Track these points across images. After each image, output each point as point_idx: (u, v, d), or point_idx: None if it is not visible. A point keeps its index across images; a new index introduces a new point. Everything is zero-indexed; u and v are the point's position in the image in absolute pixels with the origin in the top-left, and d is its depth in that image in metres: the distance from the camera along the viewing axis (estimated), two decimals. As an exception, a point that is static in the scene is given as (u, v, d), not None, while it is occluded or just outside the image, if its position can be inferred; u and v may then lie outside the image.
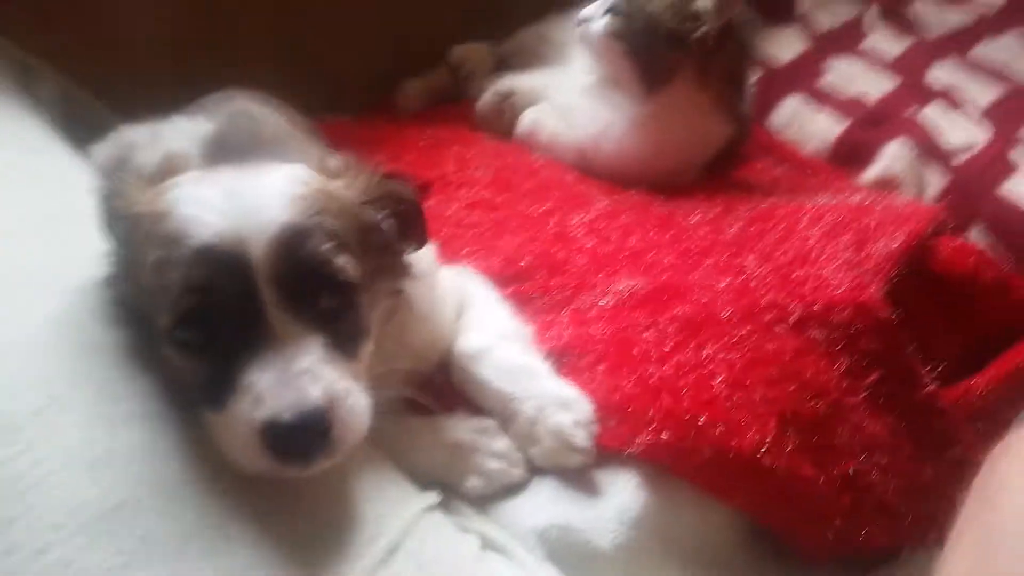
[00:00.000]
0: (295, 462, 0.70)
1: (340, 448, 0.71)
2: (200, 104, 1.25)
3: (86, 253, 0.84)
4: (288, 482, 0.74)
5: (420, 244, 0.90)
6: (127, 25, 1.67)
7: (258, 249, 0.70)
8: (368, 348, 0.79)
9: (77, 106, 1.38)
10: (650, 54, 1.46)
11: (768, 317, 1.04)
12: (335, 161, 0.85)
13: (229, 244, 0.70)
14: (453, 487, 0.89)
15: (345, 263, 0.74)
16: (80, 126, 1.28)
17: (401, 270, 0.88)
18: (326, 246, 0.73)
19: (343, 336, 0.75)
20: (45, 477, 0.67)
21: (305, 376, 0.69)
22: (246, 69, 1.27)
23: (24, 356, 0.75)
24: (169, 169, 0.81)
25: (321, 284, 0.73)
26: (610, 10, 1.48)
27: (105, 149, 1.18)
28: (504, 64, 1.92)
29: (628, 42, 1.47)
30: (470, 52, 1.94)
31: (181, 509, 0.70)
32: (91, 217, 0.83)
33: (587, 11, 1.52)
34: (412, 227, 0.88)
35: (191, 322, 0.71)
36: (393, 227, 0.85)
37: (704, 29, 1.41)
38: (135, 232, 0.76)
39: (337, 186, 0.81)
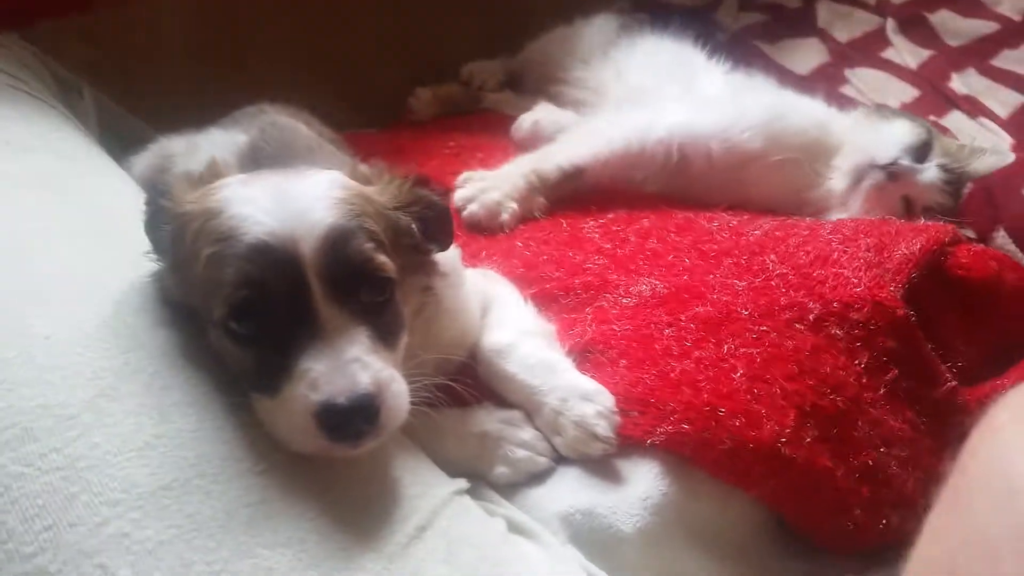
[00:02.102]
0: (346, 441, 0.75)
1: (384, 429, 0.77)
2: (233, 117, 1.31)
3: (127, 256, 0.90)
4: (326, 464, 0.79)
5: (447, 245, 0.95)
6: (158, 41, 1.77)
7: (308, 247, 0.76)
8: (404, 340, 0.85)
9: (113, 118, 1.46)
10: None
11: (787, 315, 1.07)
12: (367, 168, 0.91)
13: (281, 241, 0.75)
14: (482, 475, 0.93)
15: (384, 261, 0.80)
16: (116, 138, 1.34)
17: (430, 268, 0.94)
18: (368, 245, 0.79)
19: (384, 328, 0.80)
20: (102, 458, 0.72)
21: (355, 364, 0.75)
22: (271, 84, 1.34)
23: (77, 353, 0.79)
24: (214, 172, 0.87)
25: (364, 280, 0.79)
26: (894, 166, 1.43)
27: (144, 159, 1.25)
28: (515, 77, 2.00)
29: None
30: (480, 68, 2.02)
31: (225, 488, 0.74)
32: (130, 222, 0.89)
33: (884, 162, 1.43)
34: (440, 229, 0.93)
35: (245, 313, 0.77)
36: (422, 229, 0.90)
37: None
38: (185, 229, 0.81)
39: (372, 191, 0.87)
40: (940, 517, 0.52)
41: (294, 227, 0.76)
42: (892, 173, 1.42)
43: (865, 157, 1.44)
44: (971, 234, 1.48)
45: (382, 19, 1.98)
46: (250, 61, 1.82)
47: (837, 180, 1.46)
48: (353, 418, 0.74)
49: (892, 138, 1.46)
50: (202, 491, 0.73)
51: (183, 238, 0.81)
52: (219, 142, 1.21)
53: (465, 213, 1.39)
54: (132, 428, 0.75)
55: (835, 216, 1.44)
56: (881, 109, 1.62)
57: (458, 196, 1.41)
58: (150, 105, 1.58)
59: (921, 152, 1.45)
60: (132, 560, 0.67)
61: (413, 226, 0.88)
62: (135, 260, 0.89)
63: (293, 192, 0.79)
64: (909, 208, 1.43)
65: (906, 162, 1.43)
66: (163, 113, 1.45)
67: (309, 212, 0.77)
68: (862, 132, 1.50)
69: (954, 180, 1.46)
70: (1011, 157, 1.56)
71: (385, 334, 0.80)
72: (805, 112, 1.55)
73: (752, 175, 1.48)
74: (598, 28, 1.97)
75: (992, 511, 0.47)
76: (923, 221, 1.37)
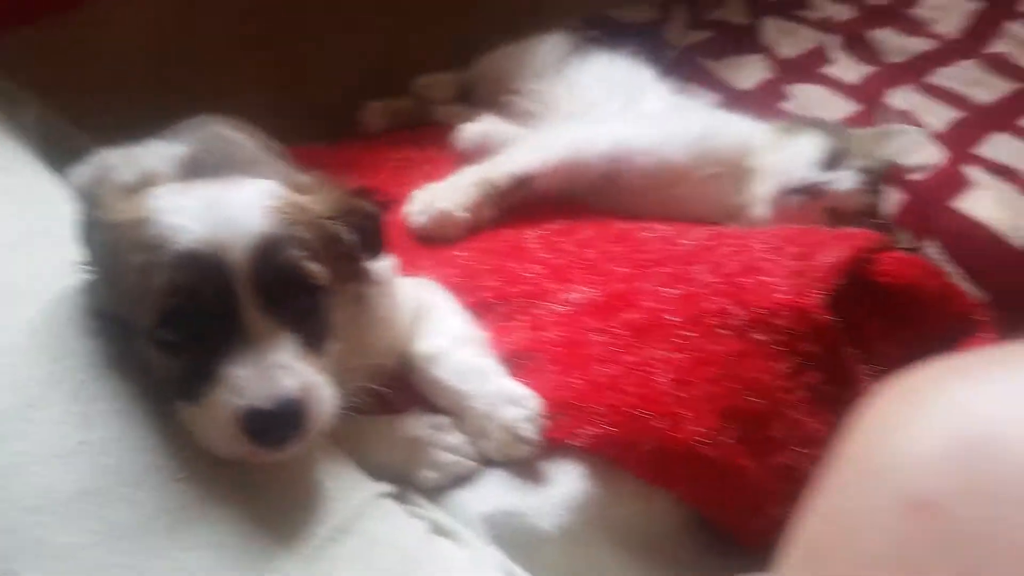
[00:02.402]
0: (270, 446, 0.77)
1: (310, 434, 0.79)
2: (174, 129, 1.32)
3: (60, 266, 0.90)
4: (248, 470, 0.80)
5: (378, 254, 0.97)
6: (110, 54, 1.75)
7: (237, 255, 0.77)
8: (333, 346, 0.87)
9: (56, 132, 1.45)
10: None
11: (713, 321, 1.10)
12: (304, 179, 0.93)
13: (211, 249, 0.77)
14: (409, 479, 0.95)
15: (315, 269, 0.82)
16: (58, 151, 1.34)
17: (362, 276, 0.96)
18: (299, 253, 0.81)
19: (312, 335, 0.83)
20: (24, 465, 0.73)
21: (280, 369, 0.77)
22: (222, 97, 1.35)
23: (4, 361, 0.81)
24: (146, 182, 0.89)
25: (294, 288, 0.81)
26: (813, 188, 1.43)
27: (83, 170, 1.25)
28: (467, 91, 2.04)
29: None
30: (433, 82, 2.05)
31: (148, 495, 0.75)
32: (64, 233, 0.90)
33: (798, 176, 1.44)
34: (373, 239, 0.96)
35: (173, 322, 0.78)
36: (356, 238, 0.92)
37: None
38: (116, 239, 0.82)
39: (306, 200, 0.88)
40: (813, 497, 0.55)
41: (224, 235, 0.77)
42: (809, 192, 1.43)
43: (776, 184, 1.46)
44: (907, 240, 1.52)
45: (332, 33, 2.00)
46: (201, 74, 1.83)
47: (758, 207, 1.48)
48: (277, 423, 0.76)
49: (799, 157, 1.47)
50: (123, 498, 0.74)
51: (114, 248, 0.83)
52: (158, 153, 1.22)
53: (415, 226, 1.40)
54: (57, 436, 0.76)
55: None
56: (789, 125, 1.62)
57: (407, 209, 1.42)
58: (99, 116, 1.58)
59: (834, 161, 1.47)
60: (44, 565, 0.68)
61: (347, 236, 0.90)
62: (68, 270, 0.89)
63: (224, 201, 0.81)
64: (837, 218, 1.45)
65: (819, 178, 1.44)
66: (112, 125, 1.45)
67: (240, 220, 0.79)
68: (772, 153, 1.51)
69: (874, 177, 1.48)
70: (921, 137, 1.62)
71: (313, 340, 0.82)
72: (734, 132, 1.57)
73: (682, 192, 1.51)
74: (552, 45, 2.01)
75: (852, 489, 0.50)
76: (849, 222, 1.40)
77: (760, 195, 1.48)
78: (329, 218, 0.88)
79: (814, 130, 1.55)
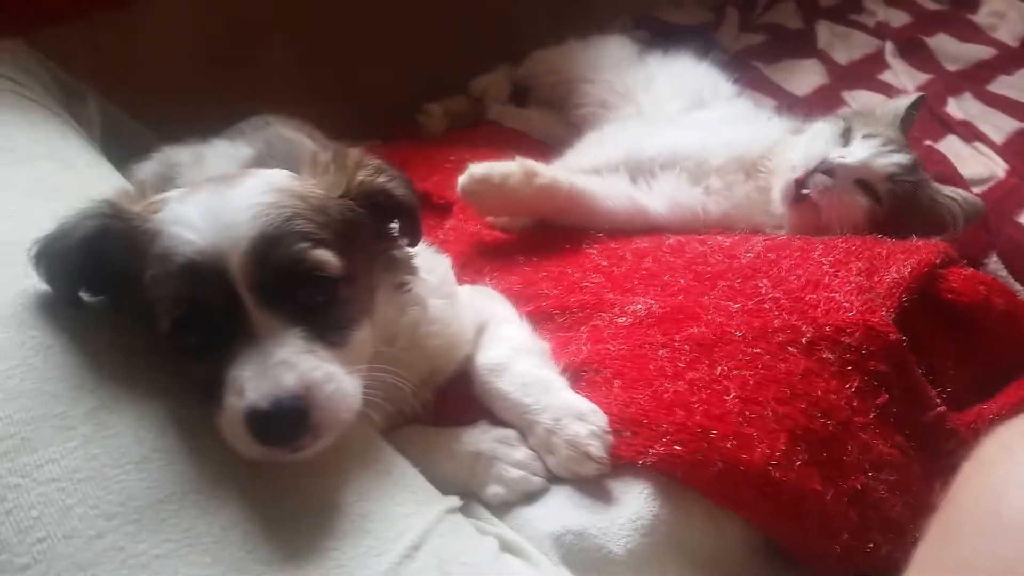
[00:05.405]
0: (280, 446, 0.76)
1: (325, 431, 0.77)
2: (239, 128, 1.32)
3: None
4: (320, 481, 0.79)
5: (413, 235, 0.94)
6: (164, 50, 1.76)
7: (234, 260, 0.77)
8: (360, 335, 0.84)
9: (117, 125, 1.47)
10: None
11: (780, 338, 1.08)
12: (325, 157, 0.90)
13: (208, 259, 0.77)
14: (475, 494, 0.94)
15: (322, 258, 0.80)
16: (119, 145, 1.35)
17: (401, 264, 0.94)
18: (299, 246, 0.79)
19: (328, 326, 0.81)
20: (100, 470, 0.73)
21: (280, 366, 0.75)
22: (275, 94, 1.35)
23: (79, 363, 0.80)
24: (160, 184, 0.89)
25: (298, 282, 0.79)
26: (862, 183, 1.40)
27: (148, 167, 1.26)
28: (521, 87, 2.05)
29: (872, 222, 1.40)
30: (489, 81, 2.05)
31: (221, 504, 0.75)
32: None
33: (837, 167, 1.40)
34: (403, 221, 0.93)
35: (184, 330, 0.78)
36: (382, 219, 0.90)
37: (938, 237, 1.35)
38: (130, 249, 0.81)
39: (311, 185, 0.86)
40: (930, 548, 0.54)
41: (220, 242, 0.77)
42: (822, 172, 1.40)
43: (784, 180, 1.44)
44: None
45: (385, 31, 2.00)
46: (255, 71, 1.84)
47: (778, 207, 1.47)
48: (280, 421, 0.74)
49: (800, 147, 1.46)
50: (198, 506, 0.74)
51: (129, 256, 0.82)
52: (224, 154, 1.22)
53: (459, 188, 1.37)
54: (131, 441, 0.76)
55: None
56: (799, 124, 1.61)
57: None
58: (153, 112, 1.59)
59: (843, 139, 1.45)
60: (126, 574, 0.68)
61: (362, 217, 0.87)
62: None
63: (221, 205, 0.80)
64: (871, 191, 1.41)
65: (827, 155, 1.41)
66: (166, 121, 1.46)
67: (235, 225, 0.78)
68: (781, 157, 1.50)
69: (888, 140, 1.44)
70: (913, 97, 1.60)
71: (328, 332, 0.80)
72: (759, 137, 1.57)
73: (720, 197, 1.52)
74: (619, 42, 2.04)
75: (980, 544, 0.48)
76: (892, 192, 1.38)
77: (775, 192, 1.47)
78: (342, 199, 0.86)
79: (822, 121, 1.54)
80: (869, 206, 1.41)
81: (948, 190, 1.48)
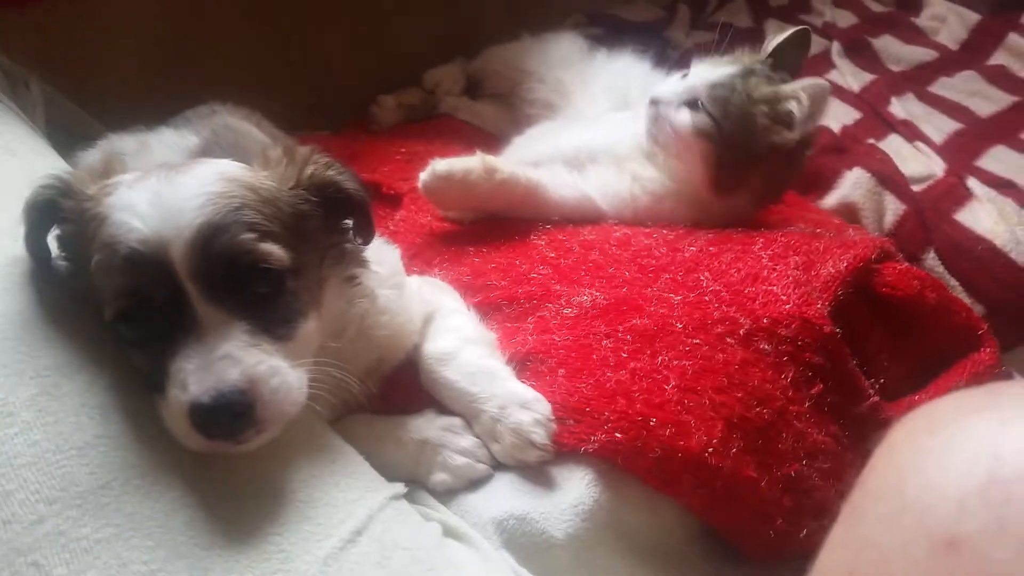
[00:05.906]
0: (223, 439, 0.76)
1: (269, 424, 0.78)
2: (185, 117, 1.31)
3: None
4: (264, 468, 0.80)
5: (366, 233, 0.95)
6: (113, 36, 1.73)
7: (178, 250, 0.76)
8: (307, 328, 0.85)
9: (61, 112, 1.44)
10: (732, 156, 1.40)
11: (719, 329, 1.11)
12: (276, 151, 0.90)
13: (152, 249, 0.76)
14: (421, 481, 0.96)
15: (269, 251, 0.79)
16: (64, 132, 1.33)
17: (351, 258, 0.94)
18: (245, 237, 0.79)
19: (274, 319, 0.81)
20: (41, 456, 0.73)
21: (224, 360, 0.75)
22: (228, 83, 1.34)
23: (20, 349, 0.80)
24: (110, 168, 0.87)
25: (244, 274, 0.79)
26: (690, 103, 1.42)
27: (93, 155, 1.24)
28: (474, 81, 2.06)
29: (715, 142, 1.40)
30: (442, 74, 2.06)
31: (165, 489, 0.76)
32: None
33: (663, 94, 1.45)
34: (356, 219, 0.93)
35: (129, 320, 0.78)
36: (332, 213, 0.90)
37: (792, 135, 1.38)
38: (78, 233, 0.81)
39: (262, 177, 0.85)
40: (839, 528, 0.56)
41: (165, 231, 0.76)
42: (652, 102, 1.45)
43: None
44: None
45: (339, 22, 1.99)
46: (205, 59, 1.82)
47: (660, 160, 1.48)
48: (222, 415, 0.74)
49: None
50: (141, 492, 0.74)
51: (78, 241, 0.82)
52: (170, 143, 1.22)
53: (420, 184, 1.38)
54: (73, 427, 0.76)
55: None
56: None
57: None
58: (101, 100, 1.57)
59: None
60: (67, 558, 0.68)
61: (314, 211, 0.87)
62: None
63: (168, 193, 0.79)
64: (697, 107, 1.41)
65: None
66: (114, 108, 1.44)
67: (180, 214, 0.77)
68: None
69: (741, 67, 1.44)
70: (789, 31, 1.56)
71: (275, 325, 0.81)
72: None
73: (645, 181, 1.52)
74: (572, 40, 2.05)
75: (883, 524, 0.51)
76: (716, 99, 1.39)
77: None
78: (290, 192, 0.86)
79: None
80: (702, 122, 1.41)
81: (792, 83, 1.45)
